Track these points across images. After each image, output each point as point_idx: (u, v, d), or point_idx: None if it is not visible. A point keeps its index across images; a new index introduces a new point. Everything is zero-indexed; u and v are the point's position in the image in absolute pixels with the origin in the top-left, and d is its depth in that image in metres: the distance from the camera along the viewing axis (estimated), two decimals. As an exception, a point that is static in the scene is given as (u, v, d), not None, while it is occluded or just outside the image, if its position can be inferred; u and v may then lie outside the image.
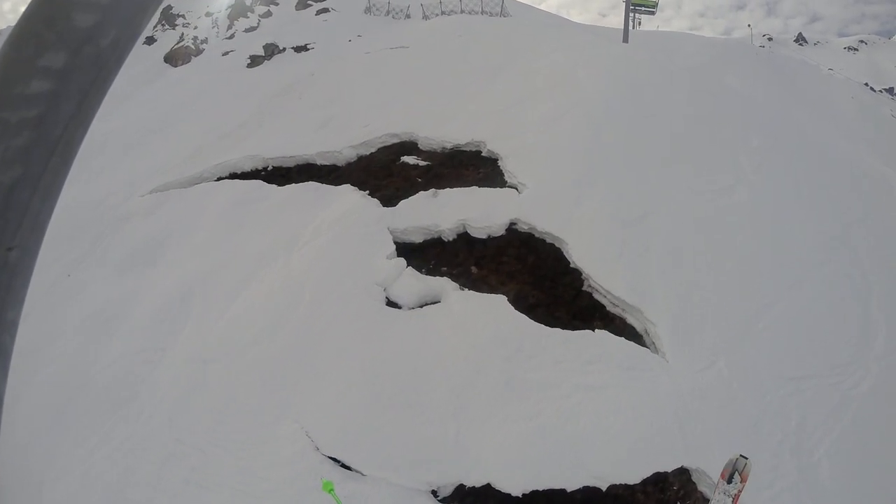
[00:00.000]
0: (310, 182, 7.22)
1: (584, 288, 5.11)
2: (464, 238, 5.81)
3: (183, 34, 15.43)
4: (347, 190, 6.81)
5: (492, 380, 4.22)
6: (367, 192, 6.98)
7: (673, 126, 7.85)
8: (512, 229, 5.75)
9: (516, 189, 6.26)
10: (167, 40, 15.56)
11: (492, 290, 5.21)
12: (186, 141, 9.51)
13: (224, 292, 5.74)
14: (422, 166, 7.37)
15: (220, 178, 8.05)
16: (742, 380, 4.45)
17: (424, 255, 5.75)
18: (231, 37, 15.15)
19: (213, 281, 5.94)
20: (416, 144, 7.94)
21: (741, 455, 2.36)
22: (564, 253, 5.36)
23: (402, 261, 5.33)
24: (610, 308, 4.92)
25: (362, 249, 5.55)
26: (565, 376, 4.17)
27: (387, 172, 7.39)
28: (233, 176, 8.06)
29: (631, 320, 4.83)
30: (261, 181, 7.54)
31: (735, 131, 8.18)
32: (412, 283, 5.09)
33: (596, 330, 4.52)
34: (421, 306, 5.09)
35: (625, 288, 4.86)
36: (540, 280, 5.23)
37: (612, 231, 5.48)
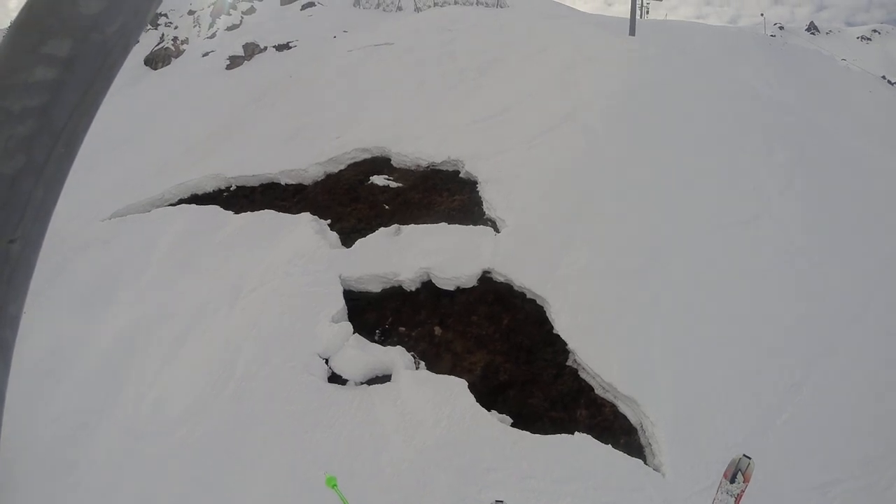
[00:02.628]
0: (266, 210, 6.03)
1: (569, 362, 3.93)
2: (429, 288, 4.62)
3: (164, 35, 13.89)
4: (305, 220, 5.61)
5: (439, 499, 3.12)
6: (329, 220, 5.79)
7: (686, 139, 6.45)
8: (486, 278, 4.55)
9: (494, 226, 5.02)
10: (150, 41, 14.04)
11: (456, 360, 4.06)
12: (153, 154, 8.30)
13: (163, 348, 4.70)
14: (392, 189, 6.13)
15: (180, 201, 6.89)
16: (757, 498, 3.29)
17: (382, 308, 4.59)
18: (212, 36, 13.62)
19: (156, 332, 4.89)
20: (389, 160, 6.67)
21: (744, 455, 2.13)
22: (547, 314, 4.16)
23: (348, 326, 4.18)
24: (599, 392, 3.75)
25: (307, 305, 4.41)
26: (531, 499, 3.05)
27: (352, 196, 6.16)
28: (193, 197, 6.89)
29: (623, 409, 3.66)
30: (218, 207, 6.36)
31: (758, 143, 6.74)
32: (357, 355, 3.96)
33: (576, 433, 3.36)
34: (370, 381, 3.98)
35: (618, 370, 3.67)
36: (515, 350, 4.06)
37: (606, 286, 4.24)
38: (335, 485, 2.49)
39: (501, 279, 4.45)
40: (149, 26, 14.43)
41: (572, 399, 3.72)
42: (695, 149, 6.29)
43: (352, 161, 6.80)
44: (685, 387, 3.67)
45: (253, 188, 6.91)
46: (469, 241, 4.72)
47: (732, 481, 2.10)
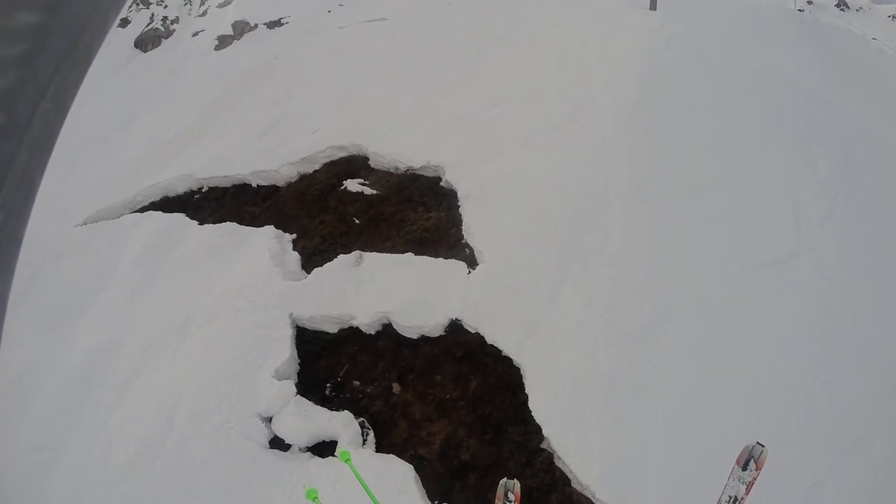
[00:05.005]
0: (227, 223, 5.02)
1: (544, 444, 3.02)
2: (389, 331, 3.67)
3: (153, 14, 12.04)
4: (265, 237, 4.61)
5: None
6: (294, 235, 4.78)
7: (713, 147, 5.05)
8: (455, 325, 3.57)
9: (471, 256, 3.94)
10: (141, 21, 12.27)
11: (413, 429, 3.19)
12: (134, 149, 7.15)
13: (115, 386, 3.95)
14: (365, 197, 5.02)
15: (151, 204, 5.89)
16: None
17: (338, 353, 3.68)
18: (203, 14, 11.80)
19: (109, 366, 4.12)
20: (367, 160, 5.50)
21: (758, 442, 1.89)
22: (523, 382, 3.20)
23: (291, 387, 3.30)
24: (576, 486, 2.86)
25: (251, 353, 3.53)
26: None
27: (322, 205, 5.09)
28: (164, 201, 5.88)
29: (604, 510, 2.78)
30: (184, 216, 5.37)
31: (797, 152, 5.28)
32: (298, 424, 3.11)
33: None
34: (314, 447, 3.17)
35: (600, 471, 2.75)
36: (482, 422, 3.15)
37: (599, 354, 3.22)
38: (348, 458, 2.22)
39: (472, 330, 3.46)
40: (139, 5, 12.52)
41: (542, 494, 2.85)
42: (723, 160, 4.93)
43: (327, 159, 5.65)
44: (681, 495, 2.74)
45: (225, 189, 5.87)
46: (437, 279, 3.69)
47: (745, 468, 1.93)
